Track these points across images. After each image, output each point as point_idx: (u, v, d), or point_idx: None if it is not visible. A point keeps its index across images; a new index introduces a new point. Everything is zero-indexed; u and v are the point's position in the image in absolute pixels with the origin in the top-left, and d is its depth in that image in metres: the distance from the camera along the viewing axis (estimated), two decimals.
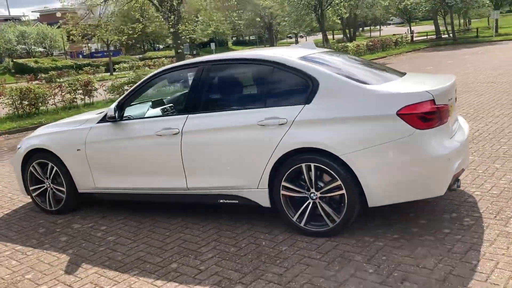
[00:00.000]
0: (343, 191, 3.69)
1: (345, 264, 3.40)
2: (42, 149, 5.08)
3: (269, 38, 43.23)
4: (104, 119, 4.73)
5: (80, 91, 15.02)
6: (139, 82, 4.67)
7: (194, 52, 52.67)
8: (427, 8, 38.02)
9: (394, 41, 32.79)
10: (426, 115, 3.50)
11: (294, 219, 3.93)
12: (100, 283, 3.50)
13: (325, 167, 3.72)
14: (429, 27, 64.75)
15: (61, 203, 5.12)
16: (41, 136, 5.15)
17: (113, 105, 4.56)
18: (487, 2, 37.91)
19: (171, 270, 3.60)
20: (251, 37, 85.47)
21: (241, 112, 4.06)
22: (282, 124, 3.84)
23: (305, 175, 3.82)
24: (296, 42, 57.65)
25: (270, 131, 3.89)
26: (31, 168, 5.16)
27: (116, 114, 4.51)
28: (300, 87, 3.91)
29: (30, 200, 5.69)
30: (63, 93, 14.48)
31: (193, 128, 4.21)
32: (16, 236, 4.67)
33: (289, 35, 79.73)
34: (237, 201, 4.20)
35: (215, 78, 4.34)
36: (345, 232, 3.87)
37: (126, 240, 4.26)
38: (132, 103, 4.74)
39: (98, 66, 40.03)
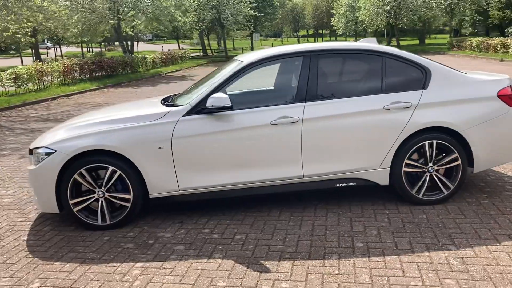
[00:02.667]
0: (459, 162, 4.42)
1: (497, 217, 4.14)
2: (94, 152, 4.20)
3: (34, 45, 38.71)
4: (193, 110, 4.28)
5: None
6: (234, 71, 4.40)
7: None
8: (203, 27, 40.74)
9: (180, 56, 34.25)
10: None
11: (413, 192, 4.45)
12: (332, 271, 3.36)
13: (445, 143, 4.38)
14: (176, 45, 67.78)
15: (120, 214, 4.31)
16: (93, 135, 4.22)
17: (217, 94, 4.19)
18: (249, 24, 42.93)
19: (363, 248, 3.68)
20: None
21: (364, 98, 4.37)
22: (407, 107, 4.33)
23: (427, 151, 4.39)
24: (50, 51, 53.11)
25: (396, 114, 4.33)
26: (76, 176, 4.19)
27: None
28: (414, 75, 4.47)
29: (25, 219, 4.57)
30: None
31: (314, 116, 4.28)
32: (105, 256, 3.80)
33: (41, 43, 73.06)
34: (354, 183, 4.46)
35: (327, 67, 4.48)
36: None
37: (260, 236, 4.02)
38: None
39: None
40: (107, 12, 24.61)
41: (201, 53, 48.65)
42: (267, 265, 3.49)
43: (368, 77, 4.51)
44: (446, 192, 4.47)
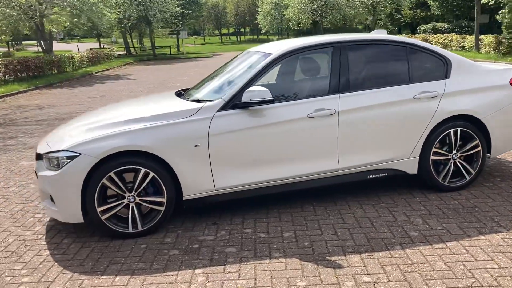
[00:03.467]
0: (480, 148, 4.61)
1: None
2: (123, 153, 3.86)
3: None
4: (228, 105, 4.07)
5: None
6: (265, 64, 4.22)
7: None
8: (129, 24, 39.29)
9: (106, 55, 32.86)
10: None
11: (440, 179, 4.57)
12: (405, 262, 3.33)
13: (468, 130, 4.54)
14: (92, 44, 64.24)
15: (153, 219, 4.01)
16: (122, 135, 3.86)
17: (255, 87, 4.00)
18: (177, 22, 42.15)
19: (420, 237, 3.71)
20: None
21: (394, 88, 4.40)
22: (434, 96, 4.44)
23: (452, 139, 4.53)
24: None
25: (424, 103, 4.42)
26: (104, 180, 3.82)
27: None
28: (436, 65, 4.58)
29: (29, 231, 4.16)
30: None
31: (349, 107, 4.25)
32: (154, 265, 3.50)
33: None
34: (386, 174, 4.49)
35: (356, 58, 4.43)
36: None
37: (309, 232, 3.92)
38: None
39: None
40: (40, 7, 22.85)
41: (125, 52, 46.92)
42: (336, 261, 3.39)
43: (395, 68, 4.53)
44: (468, 178, 4.64)
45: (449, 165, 4.58)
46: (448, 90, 4.48)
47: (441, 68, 4.57)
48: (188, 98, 4.55)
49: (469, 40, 24.02)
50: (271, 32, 65.21)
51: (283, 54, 4.28)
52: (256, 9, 56.53)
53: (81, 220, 3.90)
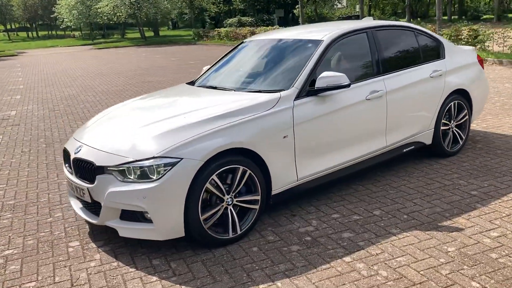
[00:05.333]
0: (467, 117, 5.46)
1: None
2: (223, 152, 3.54)
3: None
4: (301, 93, 4.01)
5: None
6: (322, 50, 4.23)
7: None
8: None
9: None
10: (483, 61, 5.80)
11: (445, 146, 5.29)
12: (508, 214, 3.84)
13: (461, 102, 5.34)
14: None
15: (248, 220, 3.75)
16: (221, 132, 3.49)
17: (328, 73, 4.01)
18: None
19: (482, 195, 4.30)
20: None
21: (416, 68, 4.91)
22: (441, 75, 5.10)
23: (452, 111, 5.27)
24: None
25: (436, 81, 5.04)
26: (208, 185, 3.45)
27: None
28: (434, 47, 5.23)
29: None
30: None
31: (393, 87, 4.60)
32: (297, 264, 3.32)
33: None
34: (413, 147, 5.00)
35: (386, 41, 4.73)
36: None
37: (392, 207, 4.16)
38: None
39: None
40: None
41: None
42: (450, 225, 3.71)
43: (412, 50, 5.01)
44: (461, 143, 5.44)
45: (449, 133, 5.29)
46: (448, 68, 5.16)
47: (438, 49, 5.23)
48: (234, 90, 4.34)
49: None
50: (73, 27, 60.62)
51: (333, 40, 4.37)
52: (57, 2, 51.77)
53: (182, 234, 3.43)
